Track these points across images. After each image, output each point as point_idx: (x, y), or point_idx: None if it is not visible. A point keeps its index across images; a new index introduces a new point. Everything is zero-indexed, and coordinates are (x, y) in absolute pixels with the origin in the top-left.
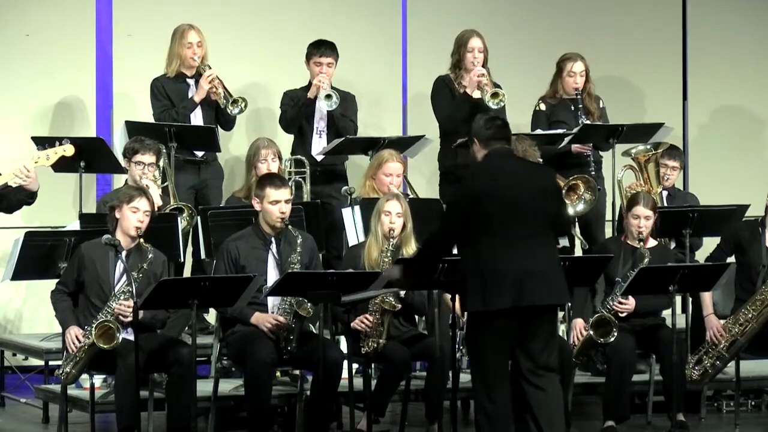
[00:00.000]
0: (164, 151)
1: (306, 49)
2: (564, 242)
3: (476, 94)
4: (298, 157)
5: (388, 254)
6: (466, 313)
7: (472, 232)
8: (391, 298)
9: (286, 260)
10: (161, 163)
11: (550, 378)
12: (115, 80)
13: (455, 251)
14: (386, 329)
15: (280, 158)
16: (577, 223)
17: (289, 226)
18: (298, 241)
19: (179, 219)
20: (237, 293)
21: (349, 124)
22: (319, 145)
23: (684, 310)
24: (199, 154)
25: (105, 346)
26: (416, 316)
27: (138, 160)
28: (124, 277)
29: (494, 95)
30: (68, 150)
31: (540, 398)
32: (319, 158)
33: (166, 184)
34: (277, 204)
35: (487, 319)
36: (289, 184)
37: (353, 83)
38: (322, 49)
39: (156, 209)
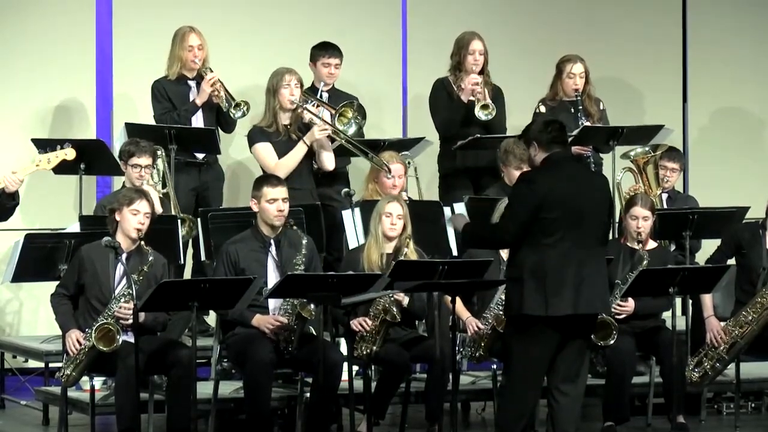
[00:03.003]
0: (161, 153)
1: (310, 52)
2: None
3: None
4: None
5: (389, 257)
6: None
7: (533, 233)
8: (394, 309)
9: (287, 262)
10: (160, 165)
11: (573, 387)
12: (115, 82)
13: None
14: (382, 337)
15: (301, 86)
16: None
17: (294, 227)
18: (303, 242)
19: (180, 228)
20: (237, 295)
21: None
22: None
23: (684, 312)
24: (200, 156)
25: (105, 349)
26: (416, 319)
27: (134, 162)
28: (125, 280)
29: (484, 107)
30: (69, 154)
31: (561, 405)
32: (331, 166)
33: (166, 190)
34: (274, 202)
35: (542, 324)
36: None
37: (353, 84)
38: (329, 50)
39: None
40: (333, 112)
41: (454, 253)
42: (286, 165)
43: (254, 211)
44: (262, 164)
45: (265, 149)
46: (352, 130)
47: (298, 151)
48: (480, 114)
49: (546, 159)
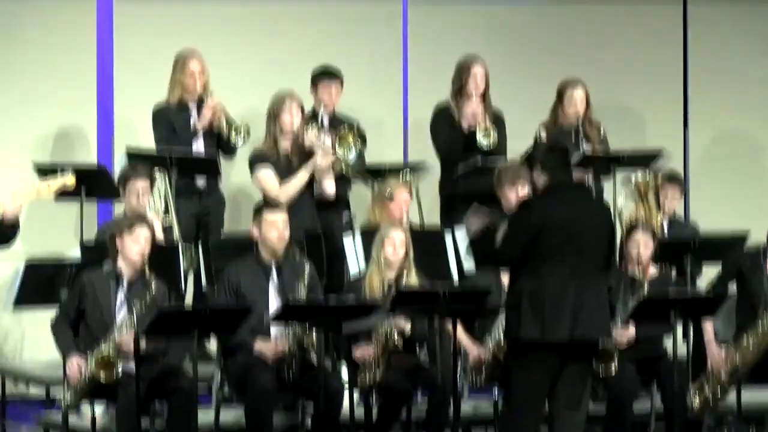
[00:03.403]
0: (159, 176)
1: (310, 76)
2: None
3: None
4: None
5: (391, 284)
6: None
7: (532, 258)
8: (396, 337)
9: (288, 288)
10: (162, 187)
11: (574, 413)
12: (116, 106)
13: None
14: (384, 363)
15: (302, 111)
16: None
17: (297, 255)
18: (305, 268)
19: (182, 258)
20: (238, 323)
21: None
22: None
23: (685, 338)
24: (201, 182)
25: (104, 379)
26: (417, 347)
27: (131, 187)
28: (125, 307)
29: (486, 134)
30: (69, 180)
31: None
32: (332, 192)
33: (168, 218)
34: (274, 228)
35: (540, 349)
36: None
37: (354, 109)
38: (329, 75)
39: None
40: (334, 136)
41: (456, 280)
42: (288, 192)
43: (255, 237)
44: (264, 191)
45: (267, 176)
46: (352, 155)
47: (301, 178)
48: (482, 140)
49: (548, 184)
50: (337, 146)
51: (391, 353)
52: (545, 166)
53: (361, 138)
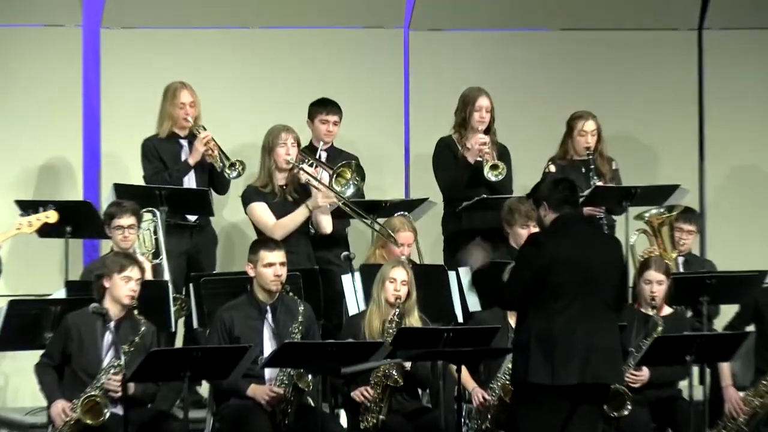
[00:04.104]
0: (155, 218)
1: (308, 108)
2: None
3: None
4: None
5: (393, 324)
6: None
7: (540, 297)
8: (395, 373)
9: (283, 330)
10: (150, 225)
11: None
12: (103, 141)
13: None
14: (387, 405)
15: (298, 145)
16: None
17: (290, 293)
18: (300, 309)
19: (171, 302)
20: (231, 365)
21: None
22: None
23: (701, 381)
24: (192, 218)
25: (92, 423)
26: (419, 389)
27: (117, 224)
28: (113, 349)
29: (493, 167)
30: (51, 216)
31: None
32: (329, 229)
33: (159, 260)
34: (271, 267)
35: (549, 393)
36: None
37: (354, 143)
38: (328, 107)
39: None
40: (331, 172)
41: (460, 319)
42: (284, 226)
43: (250, 275)
44: (258, 225)
45: (262, 209)
46: (350, 192)
47: (299, 215)
48: (489, 175)
49: (555, 220)
50: (334, 183)
51: (391, 391)
52: (551, 201)
53: (360, 174)
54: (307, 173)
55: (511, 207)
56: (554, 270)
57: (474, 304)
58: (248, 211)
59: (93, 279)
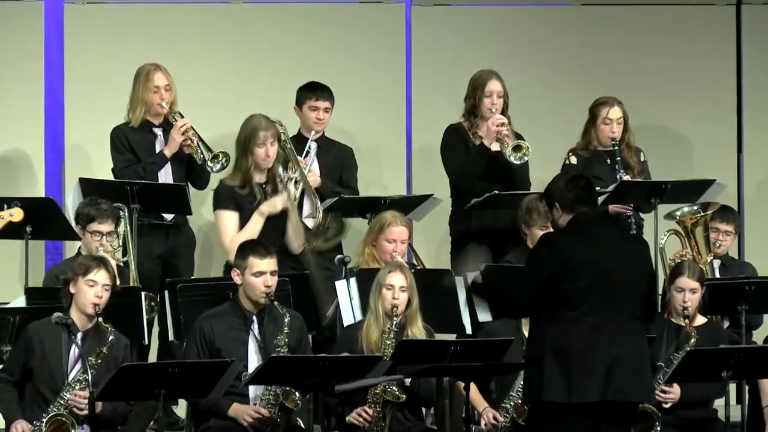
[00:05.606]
0: (124, 214)
1: (296, 93)
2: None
3: (495, 146)
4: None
5: (391, 335)
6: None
7: (555, 305)
8: (394, 388)
9: (271, 342)
10: (120, 230)
11: None
12: (66, 129)
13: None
14: (388, 425)
15: (278, 140)
16: None
17: (275, 302)
18: (285, 321)
19: (144, 306)
20: (212, 381)
21: (346, 190)
22: (307, 207)
23: (739, 400)
24: (168, 217)
25: None
26: (423, 408)
27: (94, 229)
28: (79, 363)
29: (516, 148)
30: (16, 215)
31: None
32: (310, 223)
33: (126, 258)
34: (261, 276)
35: (566, 412)
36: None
37: (350, 134)
38: (318, 92)
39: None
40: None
41: (468, 330)
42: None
43: (236, 283)
44: (219, 233)
45: (229, 221)
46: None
47: (254, 225)
48: (513, 158)
49: (571, 220)
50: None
51: (392, 408)
52: (564, 202)
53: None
54: (290, 177)
55: (529, 206)
56: (570, 275)
57: (484, 313)
58: (215, 215)
59: (61, 284)
